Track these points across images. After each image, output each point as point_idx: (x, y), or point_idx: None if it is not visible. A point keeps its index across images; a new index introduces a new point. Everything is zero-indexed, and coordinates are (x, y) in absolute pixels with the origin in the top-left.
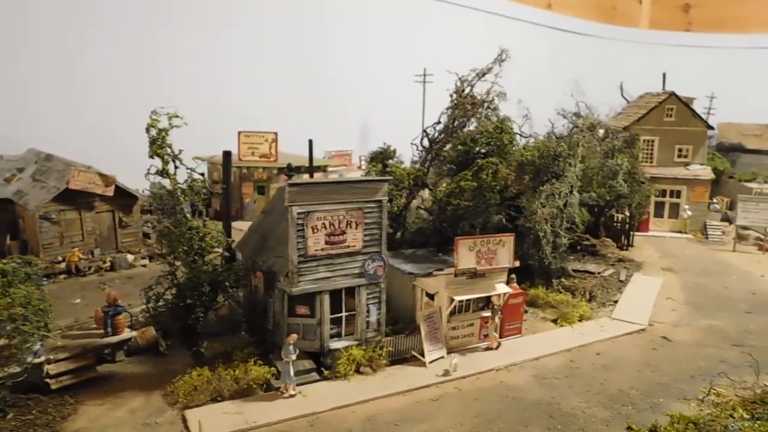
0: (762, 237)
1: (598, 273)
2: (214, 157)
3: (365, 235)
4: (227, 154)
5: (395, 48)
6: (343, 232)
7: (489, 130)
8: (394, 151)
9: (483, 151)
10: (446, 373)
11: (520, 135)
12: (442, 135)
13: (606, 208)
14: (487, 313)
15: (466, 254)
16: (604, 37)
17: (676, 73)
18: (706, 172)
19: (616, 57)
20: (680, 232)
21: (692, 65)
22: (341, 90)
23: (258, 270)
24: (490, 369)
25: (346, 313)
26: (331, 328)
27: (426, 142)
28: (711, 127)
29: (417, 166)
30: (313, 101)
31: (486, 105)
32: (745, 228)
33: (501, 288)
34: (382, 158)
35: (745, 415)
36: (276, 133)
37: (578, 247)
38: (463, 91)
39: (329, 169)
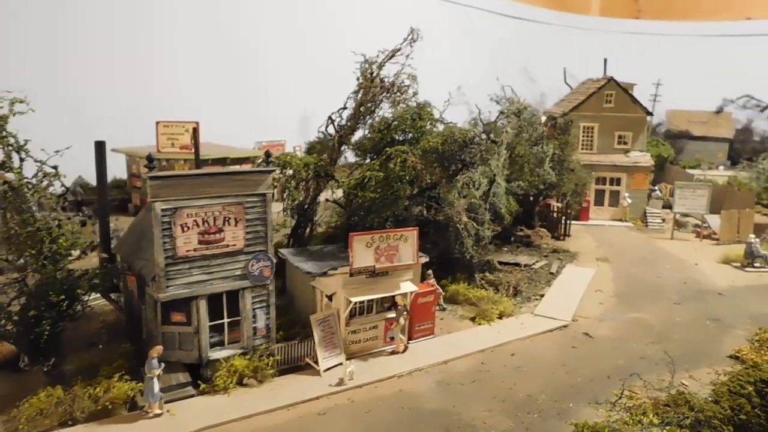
0: (700, 224)
1: (528, 265)
2: (133, 149)
3: (247, 233)
4: (99, 145)
5: (336, 34)
6: (221, 230)
7: (404, 117)
8: None
9: (400, 138)
10: (341, 382)
11: (441, 122)
12: (350, 122)
13: (539, 197)
14: (391, 315)
15: (362, 251)
16: (555, 24)
17: (626, 60)
18: (645, 159)
19: (567, 44)
20: (621, 220)
21: (642, 53)
22: (277, 76)
23: (131, 273)
24: (392, 376)
25: (229, 320)
26: (212, 337)
27: (332, 130)
28: (650, 113)
29: (323, 155)
30: (248, 88)
31: (396, 89)
32: (686, 215)
33: (407, 287)
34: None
35: (655, 420)
36: (197, 123)
37: (512, 239)
38: (372, 73)
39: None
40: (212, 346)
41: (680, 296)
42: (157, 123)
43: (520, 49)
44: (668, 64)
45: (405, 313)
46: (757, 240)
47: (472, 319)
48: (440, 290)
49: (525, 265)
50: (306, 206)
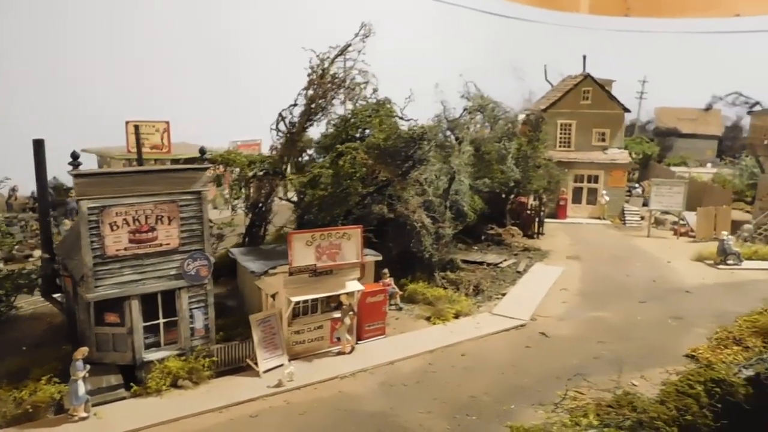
0: (678, 221)
1: (495, 264)
2: (103, 149)
3: (182, 232)
4: (37, 143)
5: (320, 34)
6: (153, 229)
7: (361, 113)
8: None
9: (357, 135)
10: (280, 383)
11: (401, 118)
12: (301, 118)
13: (510, 195)
14: (337, 315)
15: (302, 250)
16: (545, 23)
17: (616, 57)
18: (623, 156)
19: (557, 42)
20: (599, 218)
21: (631, 50)
22: (256, 75)
23: (67, 274)
24: (334, 377)
25: (165, 320)
26: (147, 338)
27: (282, 126)
28: (627, 110)
29: (273, 152)
30: (226, 88)
31: (347, 85)
32: (666, 212)
33: (352, 286)
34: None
35: (595, 422)
36: (168, 122)
37: (482, 237)
38: (323, 69)
39: None
40: (148, 347)
41: (647, 294)
42: (127, 122)
43: (510, 48)
44: (657, 61)
45: (351, 312)
46: (730, 237)
47: (428, 319)
48: (397, 290)
49: (492, 264)
50: (260, 205)
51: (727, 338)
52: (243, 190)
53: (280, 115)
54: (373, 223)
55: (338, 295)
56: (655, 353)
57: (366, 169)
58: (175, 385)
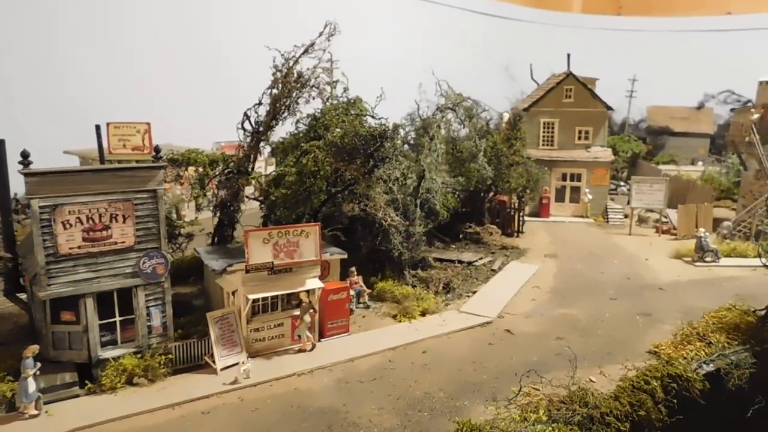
0: (662, 219)
1: (470, 262)
2: (85, 151)
3: (138, 230)
4: None
5: (307, 32)
6: (107, 227)
7: (329, 112)
8: None
9: (326, 135)
10: (236, 380)
11: (373, 117)
12: (267, 117)
13: (488, 193)
14: (297, 312)
15: (259, 247)
16: (537, 22)
17: (608, 56)
18: (606, 154)
19: (550, 42)
20: (582, 216)
21: (623, 49)
22: (241, 76)
23: (26, 273)
24: (292, 374)
25: (122, 318)
26: (104, 335)
27: (248, 126)
28: (610, 108)
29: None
30: (213, 88)
31: (312, 84)
32: (650, 210)
33: (312, 283)
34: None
35: (544, 417)
36: (149, 124)
37: (460, 236)
38: (288, 68)
39: None
40: (104, 345)
41: (619, 292)
42: (108, 124)
43: (503, 48)
44: (649, 60)
45: (311, 310)
46: (707, 234)
47: (394, 317)
48: (364, 288)
49: (466, 262)
50: (228, 204)
51: (691, 334)
52: (203, 190)
53: (245, 114)
54: (344, 221)
55: (298, 293)
56: (617, 349)
57: (329, 168)
58: (130, 382)
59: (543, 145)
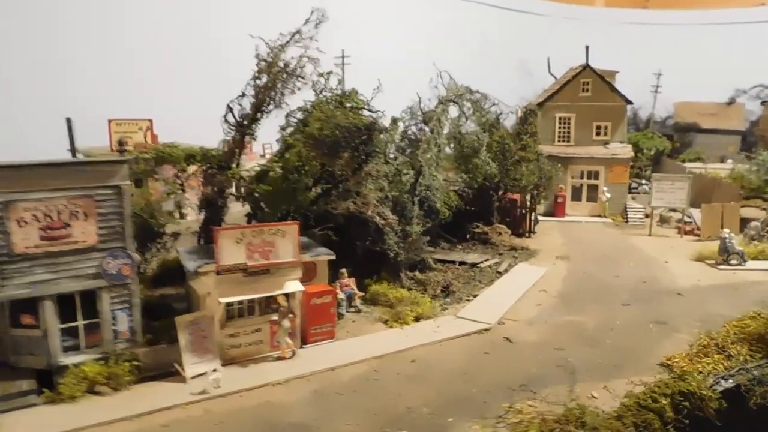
0: (684, 219)
1: (474, 264)
2: (88, 149)
3: (101, 228)
4: None
5: (328, 33)
6: (67, 225)
7: (322, 105)
8: None
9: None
10: (205, 391)
11: (368, 110)
12: (251, 110)
13: (497, 191)
14: (274, 317)
15: (231, 248)
16: (560, 17)
17: (634, 51)
18: (625, 151)
19: (572, 36)
20: (599, 216)
21: (649, 43)
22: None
23: None
24: (266, 384)
25: (85, 322)
26: (66, 341)
27: (231, 118)
28: (630, 102)
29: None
30: (218, 85)
31: (297, 74)
32: (674, 210)
33: (291, 286)
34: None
35: None
36: (150, 121)
37: (467, 236)
38: (273, 57)
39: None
40: (67, 350)
41: (632, 297)
42: (110, 121)
43: (522, 43)
44: (677, 54)
45: (290, 315)
46: (733, 235)
47: (386, 322)
48: (356, 291)
49: (470, 264)
50: (214, 201)
51: (709, 345)
52: (180, 186)
53: (228, 106)
54: (339, 220)
55: (276, 297)
56: (626, 362)
57: (316, 163)
58: (92, 390)
59: (559, 141)
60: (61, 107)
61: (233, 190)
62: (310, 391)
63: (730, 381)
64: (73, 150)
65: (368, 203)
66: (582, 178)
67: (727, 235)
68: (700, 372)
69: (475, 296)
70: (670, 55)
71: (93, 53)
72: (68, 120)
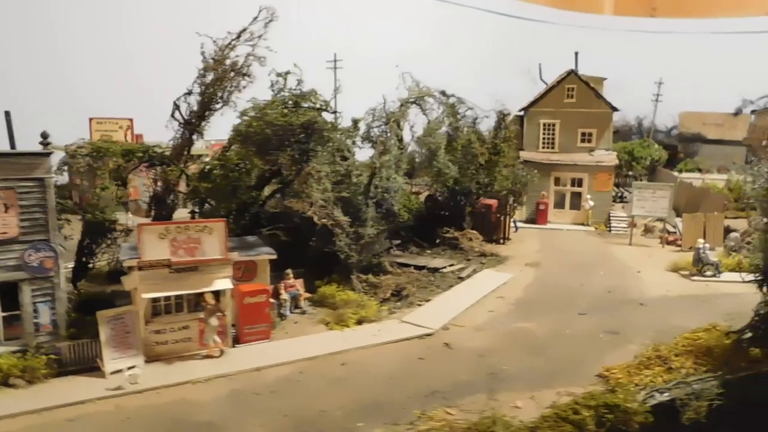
0: (663, 227)
1: (437, 268)
2: (71, 146)
3: (22, 220)
4: None
5: (306, 33)
6: None
7: (274, 105)
8: None
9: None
10: (121, 386)
11: (327, 111)
12: (198, 107)
13: (468, 196)
14: (202, 315)
15: (154, 243)
16: (567, 25)
17: (640, 59)
18: (610, 158)
19: (580, 44)
20: (583, 224)
21: (655, 52)
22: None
23: None
24: (186, 381)
25: (5, 314)
26: None
27: (178, 116)
28: (615, 109)
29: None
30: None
31: (243, 72)
32: (661, 219)
33: (220, 284)
34: None
35: None
36: (131, 120)
37: (437, 241)
38: (221, 56)
39: None
40: None
41: (593, 306)
42: (91, 119)
43: (527, 51)
44: (683, 63)
45: (218, 313)
46: (707, 245)
47: (328, 324)
48: (301, 292)
49: (432, 268)
50: (162, 198)
51: (652, 357)
52: (119, 182)
53: (174, 103)
54: (295, 220)
55: (204, 294)
56: (564, 372)
57: (258, 162)
58: (6, 383)
59: (543, 147)
60: (61, 104)
61: (183, 188)
62: (229, 390)
63: (666, 394)
64: (12, 143)
65: (312, 203)
66: (565, 185)
67: (701, 246)
68: (636, 385)
69: (429, 301)
70: (677, 63)
71: (91, 51)
72: (7, 113)
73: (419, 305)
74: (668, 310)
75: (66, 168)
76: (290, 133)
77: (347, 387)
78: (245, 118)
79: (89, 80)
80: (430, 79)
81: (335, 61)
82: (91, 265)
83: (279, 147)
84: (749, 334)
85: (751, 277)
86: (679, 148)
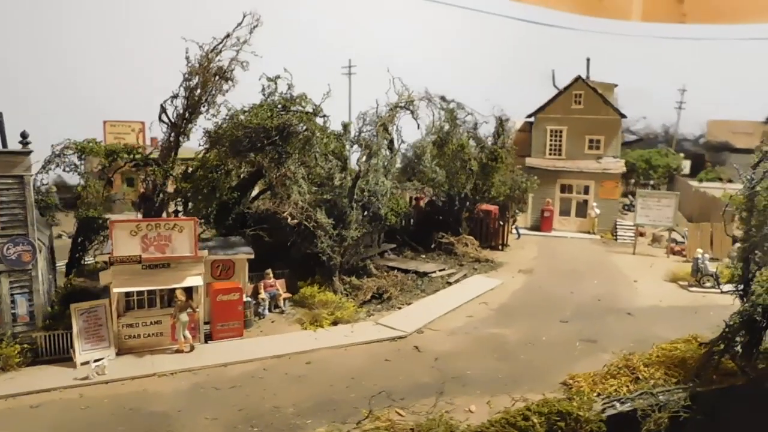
0: (669, 237)
1: (426, 273)
2: (57, 146)
3: (1, 216)
4: None
5: (322, 38)
6: None
7: (263, 109)
8: None
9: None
10: (88, 376)
11: (315, 114)
12: (184, 110)
13: (466, 201)
14: (171, 310)
15: (125, 239)
16: (588, 30)
17: (666, 65)
18: (617, 166)
19: (607, 50)
20: (588, 232)
21: (686, 58)
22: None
23: None
24: (151, 374)
25: None
26: None
27: (165, 118)
28: (624, 116)
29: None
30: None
31: (227, 77)
32: (672, 228)
33: (191, 281)
34: None
35: None
36: (143, 123)
37: (432, 245)
38: (208, 59)
39: None
40: None
41: (577, 314)
42: (104, 122)
43: (557, 58)
44: (712, 70)
45: (189, 309)
46: (706, 255)
47: (303, 324)
48: (280, 292)
49: (420, 272)
50: (150, 197)
51: (621, 367)
52: (102, 182)
53: (161, 106)
54: (282, 222)
55: (182, 289)
56: (528, 378)
57: (237, 163)
58: None
59: (550, 154)
60: (71, 103)
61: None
62: (190, 384)
63: (627, 404)
64: (4, 142)
65: (287, 204)
66: (571, 192)
67: (700, 256)
68: (598, 394)
69: (410, 304)
70: (706, 70)
71: (100, 49)
72: None
73: (399, 308)
74: (655, 321)
75: (52, 167)
76: (263, 135)
77: (306, 385)
78: (215, 120)
79: (105, 84)
80: (450, 86)
81: (350, 66)
82: (84, 261)
83: (251, 149)
84: (721, 346)
85: (729, 287)
86: (706, 156)
